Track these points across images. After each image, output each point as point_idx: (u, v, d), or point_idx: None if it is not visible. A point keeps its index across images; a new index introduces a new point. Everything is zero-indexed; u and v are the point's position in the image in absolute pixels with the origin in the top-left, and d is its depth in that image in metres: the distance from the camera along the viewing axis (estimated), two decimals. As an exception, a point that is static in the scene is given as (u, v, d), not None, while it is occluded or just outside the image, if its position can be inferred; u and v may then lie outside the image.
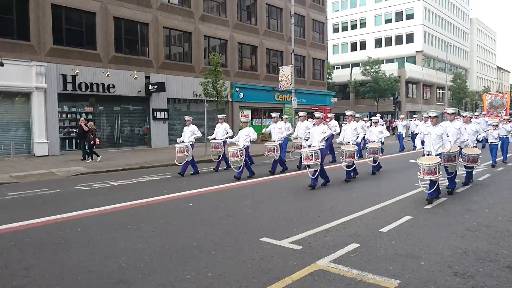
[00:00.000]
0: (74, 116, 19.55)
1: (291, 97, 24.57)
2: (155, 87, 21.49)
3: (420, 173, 7.66)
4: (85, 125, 16.35)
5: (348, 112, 11.91)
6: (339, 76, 51.67)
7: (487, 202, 7.94)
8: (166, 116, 22.83)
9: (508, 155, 15.13)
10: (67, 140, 19.38)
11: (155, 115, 22.34)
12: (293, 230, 5.88)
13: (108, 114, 21.07)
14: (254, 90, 28.52)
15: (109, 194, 9.29)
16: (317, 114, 10.18)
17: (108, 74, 19.63)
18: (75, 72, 18.65)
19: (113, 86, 20.44)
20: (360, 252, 4.97)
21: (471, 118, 10.56)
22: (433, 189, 7.69)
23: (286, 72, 25.12)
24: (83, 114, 19.59)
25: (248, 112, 28.37)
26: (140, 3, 21.76)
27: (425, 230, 5.96)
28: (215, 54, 19.61)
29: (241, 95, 27.42)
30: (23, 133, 17.98)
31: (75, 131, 17.09)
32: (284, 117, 14.75)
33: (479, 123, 18.49)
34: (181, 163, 12.44)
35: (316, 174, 9.35)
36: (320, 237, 5.60)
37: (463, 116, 10.34)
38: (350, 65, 57.14)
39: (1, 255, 4.99)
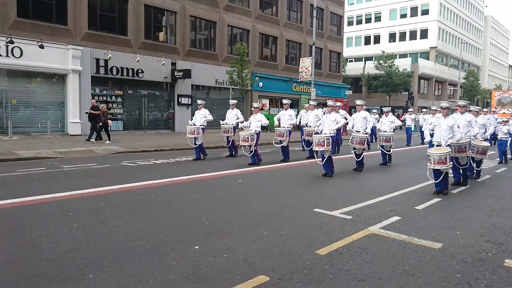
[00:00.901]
0: (105, 98, 20.48)
1: (308, 88, 25.36)
2: (181, 73, 22.33)
3: (430, 163, 7.72)
4: (97, 106, 16.70)
5: (358, 102, 11.97)
6: (352, 69, 52.14)
7: (507, 190, 8.76)
8: (189, 102, 23.70)
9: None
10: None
11: (179, 101, 23.22)
12: (340, 204, 6.75)
13: (136, 98, 21.99)
14: (272, 80, 29.28)
15: (158, 170, 10.20)
16: (329, 102, 10.32)
17: (138, 60, 20.50)
18: (108, 57, 19.52)
19: (142, 71, 21.31)
20: (403, 223, 5.83)
21: (478, 112, 10.47)
22: (439, 180, 7.77)
23: (307, 64, 25.84)
24: (110, 97, 20.50)
25: (266, 101, 29.16)
26: (169, -9, 22.53)
27: (454, 209, 6.81)
28: (242, 44, 20.37)
29: (261, 84, 28.18)
30: (58, 113, 18.97)
31: (87, 112, 17.28)
32: (308, 104, 15.24)
33: (488, 119, 18.70)
34: (196, 145, 12.35)
35: (325, 160, 9.52)
36: (365, 210, 6.46)
37: (471, 110, 10.20)
38: (363, 58, 57.56)
39: (98, 212, 5.91)
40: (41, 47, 17.10)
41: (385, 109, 14.01)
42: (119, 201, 6.64)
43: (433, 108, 16.40)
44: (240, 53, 19.70)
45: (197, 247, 4.54)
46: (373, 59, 51.70)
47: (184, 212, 6.09)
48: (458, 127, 8.16)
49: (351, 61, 58.79)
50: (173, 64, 22.82)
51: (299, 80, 27.97)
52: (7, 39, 16.06)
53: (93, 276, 3.66)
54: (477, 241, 5.09)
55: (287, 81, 30.46)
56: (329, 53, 35.11)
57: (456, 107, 10.02)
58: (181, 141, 17.99)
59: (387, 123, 12.98)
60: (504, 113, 26.29)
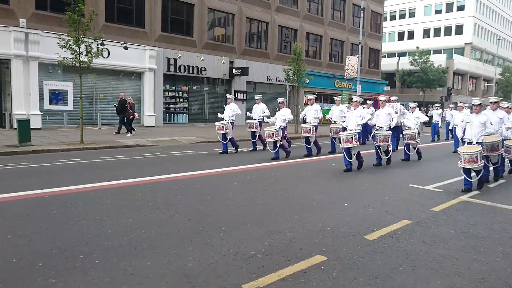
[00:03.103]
0: (173, 94, 22.69)
1: (349, 84, 26.90)
2: (239, 71, 24.32)
3: (461, 162, 7.62)
4: (125, 100, 16.90)
5: (382, 97, 11.71)
6: (386, 64, 52.99)
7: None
8: (245, 97, 25.68)
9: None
10: (167, 114, 22.59)
11: (236, 96, 25.20)
12: (427, 182, 8.53)
13: (199, 94, 24.14)
14: (317, 77, 30.92)
15: (253, 156, 12.16)
16: (355, 98, 10.33)
17: (202, 59, 22.59)
18: (178, 56, 21.69)
19: (205, 69, 23.40)
20: (484, 194, 7.57)
21: (511, 108, 9.98)
22: (470, 179, 7.71)
23: (353, 62, 27.42)
24: (178, 93, 22.66)
25: (313, 96, 30.81)
26: (228, -5, 24.50)
27: (520, 187, 8.51)
28: (298, 44, 22.15)
29: (307, 80, 29.88)
30: (136, 107, 21.21)
31: (115, 106, 17.47)
32: (367, 102, 16.76)
33: None
34: (225, 141, 12.44)
35: (355, 155, 9.67)
36: (449, 187, 8.22)
37: (503, 107, 9.83)
38: (396, 54, 58.28)
39: (250, 182, 7.90)
40: (125, 48, 19.36)
41: (411, 105, 13.76)
42: (238, 179, 8.64)
43: (460, 104, 15.95)
44: (297, 52, 21.47)
45: (296, 216, 6.47)
46: (407, 54, 52.40)
47: (295, 189, 8.02)
48: (491, 124, 8.07)
49: (384, 56, 59.54)
50: (231, 62, 24.82)
51: (345, 77, 29.56)
52: (122, 45, 18.59)
53: (250, 226, 5.62)
54: (546, 207, 6.82)
55: (330, 77, 32.08)
56: (368, 50, 36.44)
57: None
58: (242, 133, 19.87)
59: (413, 119, 12.80)
60: None
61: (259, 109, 13.66)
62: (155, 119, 21.23)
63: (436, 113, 21.04)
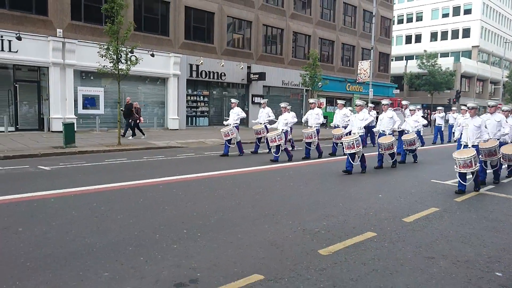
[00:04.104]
0: (195, 98, 23.83)
1: (360, 88, 27.88)
2: (257, 76, 25.40)
3: (457, 167, 7.77)
4: (131, 104, 17.00)
5: (384, 102, 11.75)
6: (394, 68, 53.83)
7: None
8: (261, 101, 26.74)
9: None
10: (189, 118, 23.71)
11: (253, 100, 26.30)
12: (447, 178, 9.51)
13: (218, 98, 25.25)
14: (329, 81, 31.91)
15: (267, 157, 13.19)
16: (358, 102, 10.38)
17: (223, 64, 23.70)
18: (200, 62, 22.82)
19: (224, 75, 24.51)
20: (499, 188, 8.57)
21: (510, 112, 9.90)
22: (465, 183, 7.82)
23: (365, 66, 28.44)
24: (199, 97, 23.77)
25: (323, 100, 31.89)
26: (246, 3, 25.59)
27: (530, 183, 9.48)
28: (314, 50, 23.22)
29: (320, 84, 30.91)
30: (160, 110, 22.41)
31: (122, 110, 17.31)
32: (369, 105, 17.19)
33: None
34: (234, 145, 12.80)
35: (359, 159, 9.83)
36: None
37: (502, 110, 9.85)
38: (404, 57, 59.15)
39: (276, 181, 8.94)
40: (152, 55, 20.49)
41: (411, 107, 13.58)
42: (271, 176, 9.68)
43: (463, 107, 15.91)
44: (313, 58, 22.55)
45: (341, 204, 7.49)
46: (414, 57, 53.26)
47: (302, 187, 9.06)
48: (486, 128, 8.09)
49: (392, 60, 60.43)
50: (248, 67, 25.90)
51: (357, 81, 30.55)
52: (148, 52, 19.74)
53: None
54: (554, 198, 7.80)
55: (342, 81, 33.08)
56: (378, 54, 37.40)
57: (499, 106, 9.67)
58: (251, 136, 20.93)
59: (412, 122, 12.76)
60: None
61: (265, 114, 13.86)
62: (179, 122, 22.34)
63: (438, 117, 21.31)
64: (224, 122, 13.34)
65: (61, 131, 17.67)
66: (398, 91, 39.63)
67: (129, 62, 14.40)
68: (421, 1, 60.92)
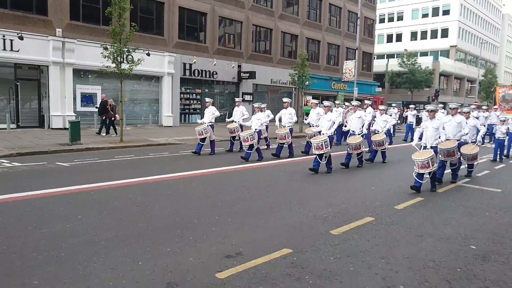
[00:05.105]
0: (188, 96, 24.62)
1: (345, 86, 29.16)
2: (247, 74, 26.33)
3: (416, 167, 8.13)
4: (106, 101, 17.15)
5: (354, 102, 11.90)
6: (375, 66, 55.44)
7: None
8: (251, 99, 27.71)
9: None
10: (182, 115, 24.49)
11: (243, 98, 27.20)
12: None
13: (210, 96, 26.03)
14: (315, 79, 33.10)
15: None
16: (325, 103, 10.42)
17: (215, 63, 24.54)
18: (193, 61, 23.61)
19: (216, 73, 25.37)
20: (474, 181, 9.79)
21: (470, 113, 10.40)
22: (421, 181, 8.11)
23: (350, 66, 29.70)
24: (192, 95, 24.58)
25: (309, 98, 33.03)
26: (237, 4, 26.44)
27: (500, 176, 10.75)
28: (303, 51, 24.28)
29: (307, 83, 32.04)
30: (155, 108, 23.12)
31: (96, 107, 17.69)
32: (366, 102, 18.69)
33: (486, 117, 19.36)
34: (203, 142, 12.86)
35: (327, 159, 10.01)
36: (446, 176, 10.41)
37: (463, 112, 10.27)
38: (385, 55, 60.94)
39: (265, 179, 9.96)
40: (148, 55, 21.12)
41: (381, 107, 13.76)
42: (273, 172, 10.72)
43: (428, 107, 15.86)
44: (302, 58, 23.58)
45: (341, 195, 8.60)
46: (395, 56, 55.07)
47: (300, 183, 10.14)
48: (443, 129, 8.38)
49: (374, 58, 62.16)
50: (239, 66, 26.80)
51: (343, 80, 31.82)
52: (144, 51, 20.02)
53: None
54: (520, 190, 9.07)
55: (327, 79, 34.31)
56: (362, 53, 38.78)
57: (475, 107, 10.38)
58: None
59: (380, 122, 13.01)
60: (508, 110, 25.74)
61: (239, 112, 13.97)
62: (173, 119, 23.10)
63: (410, 114, 21.33)
64: (198, 121, 13.67)
65: (61, 128, 18.42)
66: (380, 89, 41.16)
67: (131, 63, 15.12)
68: (402, 1, 62.76)
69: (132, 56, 15.37)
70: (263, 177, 9.47)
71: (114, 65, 15.10)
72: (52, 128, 18.48)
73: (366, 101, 14.46)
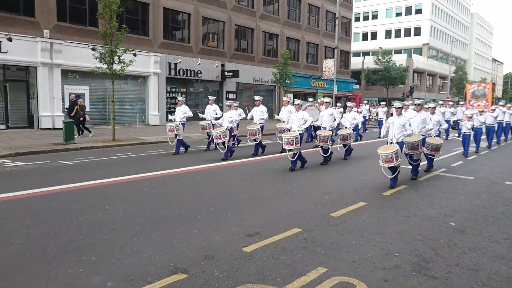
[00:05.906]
0: (174, 95, 25.07)
1: (324, 84, 30.23)
2: (231, 73, 26.98)
3: (380, 161, 8.37)
4: (75, 102, 16.73)
5: (326, 99, 12.29)
6: (352, 63, 56.81)
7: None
8: (235, 97, 28.37)
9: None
10: (168, 114, 24.93)
11: (227, 96, 27.87)
12: (405, 164, 11.68)
13: (195, 94, 26.62)
14: (295, 77, 34.04)
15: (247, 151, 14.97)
16: (296, 101, 10.72)
17: (199, 63, 25.08)
18: (178, 61, 24.08)
19: (200, 72, 25.91)
20: (450, 171, 10.80)
21: (435, 109, 10.83)
22: (394, 175, 8.36)
23: (329, 64, 30.74)
24: (177, 94, 25.06)
25: (290, 95, 33.95)
26: (219, 5, 27.03)
27: (475, 165, 11.85)
28: (286, 50, 25.12)
29: (289, 81, 32.95)
30: (141, 107, 23.50)
31: (66, 108, 17.55)
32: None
33: (452, 113, 20.07)
34: (173, 142, 13.20)
35: (296, 157, 10.15)
36: (424, 167, 11.40)
37: (429, 107, 10.70)
38: (361, 53, 62.63)
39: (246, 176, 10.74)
40: (134, 55, 21.45)
41: (349, 104, 14.13)
42: (269, 166, 11.51)
43: (395, 104, 15.91)
44: (284, 58, 24.45)
45: (334, 184, 9.48)
46: (370, 54, 56.72)
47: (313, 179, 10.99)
48: (410, 126, 8.80)
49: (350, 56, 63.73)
50: (222, 65, 27.41)
51: (323, 78, 32.86)
52: (130, 51, 20.31)
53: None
54: (491, 175, 10.12)
55: (307, 77, 35.31)
56: (340, 52, 39.95)
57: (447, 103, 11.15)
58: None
59: (349, 118, 13.45)
60: (479, 105, 26.56)
61: (212, 110, 14.26)
62: (159, 118, 23.53)
63: (381, 111, 21.69)
64: (170, 117, 13.62)
65: (51, 128, 18.66)
66: (358, 86, 42.51)
67: (122, 64, 15.56)
68: (377, 1, 64.58)
69: (119, 57, 15.72)
70: (263, 170, 10.21)
71: (105, 66, 15.49)
72: (41, 129, 18.67)
73: (348, 103, 14.68)
